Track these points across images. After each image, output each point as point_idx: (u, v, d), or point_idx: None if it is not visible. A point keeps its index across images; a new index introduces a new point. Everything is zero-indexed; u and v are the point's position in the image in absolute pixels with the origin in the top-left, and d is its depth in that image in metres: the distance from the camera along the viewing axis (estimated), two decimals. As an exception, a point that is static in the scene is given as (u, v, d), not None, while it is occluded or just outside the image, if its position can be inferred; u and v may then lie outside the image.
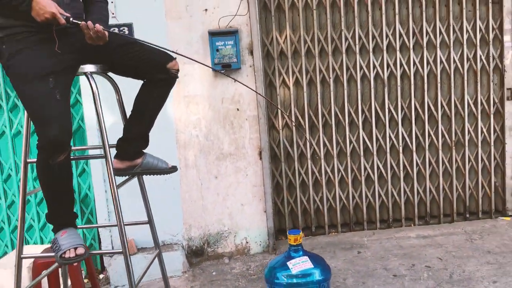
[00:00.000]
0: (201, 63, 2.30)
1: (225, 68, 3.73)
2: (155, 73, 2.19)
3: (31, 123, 2.10)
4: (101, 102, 2.12)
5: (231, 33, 3.68)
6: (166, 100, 2.34)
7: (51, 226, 2.24)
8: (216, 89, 3.83)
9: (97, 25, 1.97)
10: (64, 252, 2.05)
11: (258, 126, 3.89)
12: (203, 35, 3.72)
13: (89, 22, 1.95)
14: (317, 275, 2.05)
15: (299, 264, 2.07)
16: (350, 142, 4.20)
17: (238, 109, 3.86)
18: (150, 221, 2.60)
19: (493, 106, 4.29)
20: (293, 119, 4.12)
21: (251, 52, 3.80)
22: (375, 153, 4.23)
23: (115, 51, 2.13)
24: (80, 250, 2.06)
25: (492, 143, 4.32)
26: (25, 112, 2.16)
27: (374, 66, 4.13)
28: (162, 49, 2.16)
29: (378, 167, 4.25)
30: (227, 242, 4.00)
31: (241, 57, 3.75)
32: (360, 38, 4.09)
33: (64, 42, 2.01)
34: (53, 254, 2.11)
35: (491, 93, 4.27)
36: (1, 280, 3.48)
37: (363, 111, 4.19)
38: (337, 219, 4.27)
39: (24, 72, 1.95)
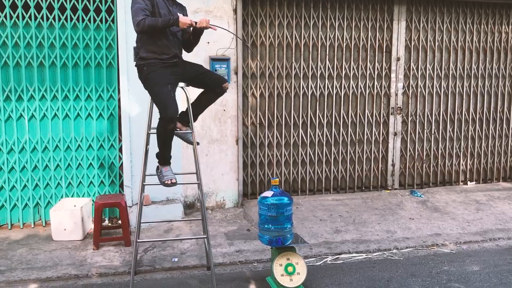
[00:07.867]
0: (231, 32, 4.21)
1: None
2: (216, 87, 4.00)
3: (153, 108, 3.82)
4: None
5: (225, 60, 5.58)
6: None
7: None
8: (210, 96, 5.68)
9: (208, 21, 3.69)
10: (166, 180, 3.82)
11: (236, 122, 5.82)
12: (205, 59, 5.57)
13: (207, 20, 3.68)
14: (286, 200, 3.93)
15: (277, 194, 3.98)
16: (293, 136, 6.28)
17: (224, 110, 5.76)
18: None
19: (382, 118, 6.62)
20: (258, 119, 6.10)
21: (236, 73, 5.72)
22: (308, 144, 6.35)
23: (200, 75, 3.93)
24: (174, 180, 3.84)
25: (381, 142, 6.66)
26: (151, 101, 3.81)
27: (311, 87, 6.26)
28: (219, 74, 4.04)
29: (309, 155, 6.38)
30: (210, 199, 5.87)
31: (230, 76, 5.65)
32: (303, 68, 6.19)
33: (174, 70, 3.80)
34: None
35: (382, 110, 6.60)
36: (60, 218, 5.05)
37: (302, 116, 6.28)
38: (282, 188, 6.32)
39: (157, 81, 3.69)
